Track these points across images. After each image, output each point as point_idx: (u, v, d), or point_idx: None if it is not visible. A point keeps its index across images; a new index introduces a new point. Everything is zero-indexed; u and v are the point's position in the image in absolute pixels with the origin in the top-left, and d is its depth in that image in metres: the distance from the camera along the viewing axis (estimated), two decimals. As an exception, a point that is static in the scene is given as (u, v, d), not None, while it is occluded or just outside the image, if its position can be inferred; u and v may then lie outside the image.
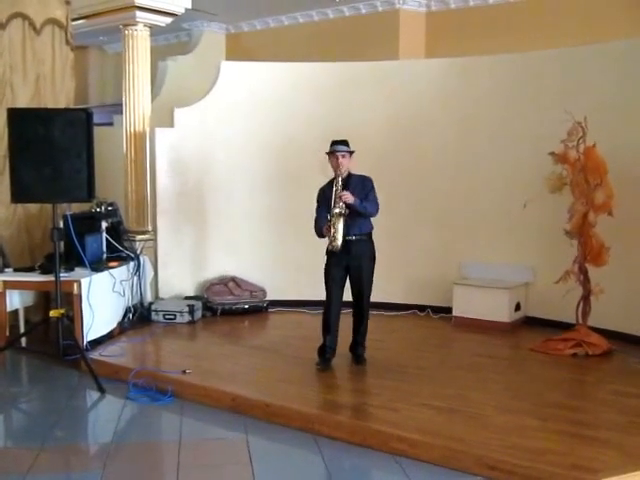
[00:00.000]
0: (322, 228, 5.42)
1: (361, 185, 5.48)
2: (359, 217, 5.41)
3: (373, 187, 5.51)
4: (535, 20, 8.11)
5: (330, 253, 5.43)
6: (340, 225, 5.32)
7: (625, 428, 4.25)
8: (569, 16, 7.88)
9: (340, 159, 5.41)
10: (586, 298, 5.95)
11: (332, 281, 5.48)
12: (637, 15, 7.35)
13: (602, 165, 5.78)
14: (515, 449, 3.92)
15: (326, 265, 5.52)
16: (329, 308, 5.49)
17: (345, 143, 5.50)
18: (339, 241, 5.32)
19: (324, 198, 5.50)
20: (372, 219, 5.52)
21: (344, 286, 5.54)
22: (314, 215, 5.56)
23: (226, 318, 7.28)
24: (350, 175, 5.50)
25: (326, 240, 5.41)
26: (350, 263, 5.45)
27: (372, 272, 5.53)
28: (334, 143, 5.50)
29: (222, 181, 7.64)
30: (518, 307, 6.89)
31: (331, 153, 5.47)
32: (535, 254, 6.89)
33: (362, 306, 5.55)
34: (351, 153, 5.50)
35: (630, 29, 7.16)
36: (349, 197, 5.29)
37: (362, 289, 5.50)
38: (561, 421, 4.37)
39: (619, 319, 6.21)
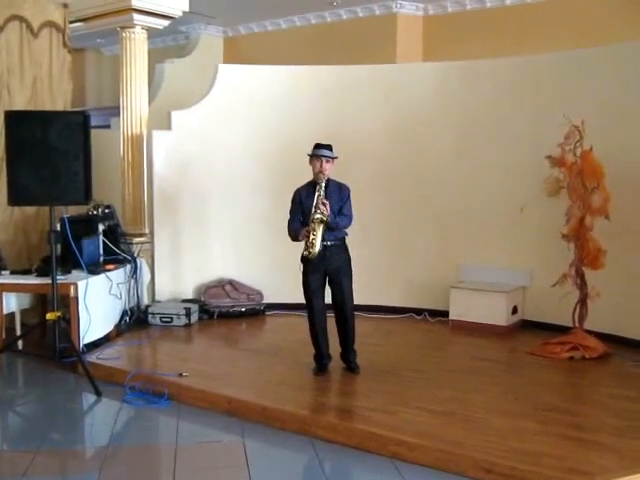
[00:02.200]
0: (298, 231, 5.32)
1: (338, 193, 5.37)
2: None
3: (349, 197, 5.42)
4: (532, 24, 8.13)
5: (306, 261, 5.32)
6: (320, 232, 5.21)
7: (622, 431, 4.25)
8: (567, 20, 7.90)
9: (324, 164, 5.30)
10: (583, 301, 5.96)
11: (312, 292, 5.37)
12: (635, 19, 7.37)
13: (599, 169, 5.79)
14: (512, 452, 3.92)
15: (303, 274, 5.38)
16: (314, 321, 5.41)
17: (330, 148, 5.39)
18: (317, 248, 5.20)
19: (299, 201, 5.41)
20: (356, 225, 5.46)
21: (324, 294, 5.45)
22: (287, 216, 5.46)
23: (223, 321, 7.28)
24: (329, 181, 5.37)
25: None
26: (328, 268, 5.35)
27: (351, 275, 5.44)
28: (318, 146, 5.38)
29: (219, 184, 7.63)
30: (515, 310, 6.89)
31: (315, 156, 5.35)
32: (532, 257, 6.89)
33: (345, 311, 5.42)
34: (334, 159, 5.39)
35: (628, 33, 7.17)
36: (328, 210, 5.19)
37: (343, 293, 5.38)
38: (558, 424, 4.37)
39: (616, 322, 6.22)
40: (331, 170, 5.39)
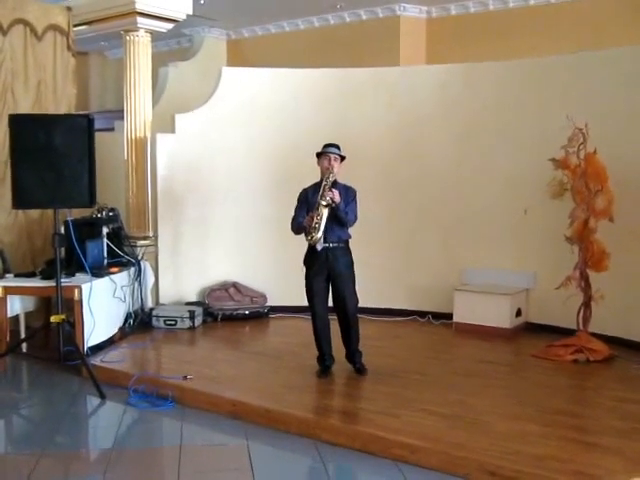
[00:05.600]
0: (301, 223, 5.32)
1: (344, 194, 5.38)
2: (337, 224, 5.32)
3: (355, 198, 5.44)
4: (536, 26, 8.14)
5: (309, 263, 5.37)
6: (324, 216, 5.21)
7: (627, 434, 4.24)
8: (571, 23, 7.91)
9: (332, 161, 5.35)
10: (587, 304, 5.95)
11: (314, 294, 5.40)
12: (639, 21, 7.37)
13: (603, 171, 5.78)
14: (516, 455, 3.91)
15: (306, 277, 5.42)
16: (317, 323, 5.44)
17: (337, 147, 5.45)
18: (320, 232, 5.21)
19: (306, 199, 5.44)
20: (351, 228, 5.45)
21: (328, 297, 5.48)
22: (292, 214, 5.47)
23: (227, 324, 7.28)
24: (336, 182, 5.39)
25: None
26: (331, 271, 5.36)
27: (353, 278, 5.45)
28: (326, 146, 5.45)
29: (223, 187, 7.64)
30: (519, 313, 6.88)
31: (323, 154, 5.40)
32: (536, 260, 6.89)
33: (347, 313, 5.43)
34: (342, 158, 5.42)
35: (632, 35, 7.17)
36: (336, 196, 5.21)
37: (345, 296, 5.39)
38: (562, 427, 4.36)
39: (620, 325, 6.21)
40: (339, 170, 5.39)
